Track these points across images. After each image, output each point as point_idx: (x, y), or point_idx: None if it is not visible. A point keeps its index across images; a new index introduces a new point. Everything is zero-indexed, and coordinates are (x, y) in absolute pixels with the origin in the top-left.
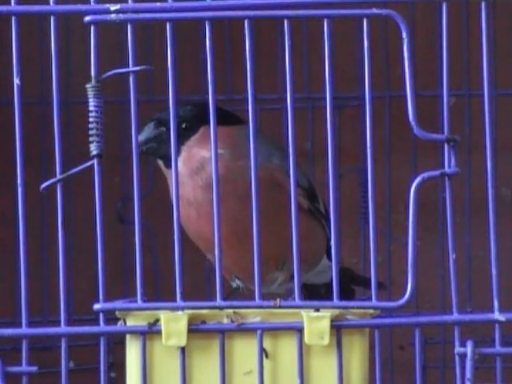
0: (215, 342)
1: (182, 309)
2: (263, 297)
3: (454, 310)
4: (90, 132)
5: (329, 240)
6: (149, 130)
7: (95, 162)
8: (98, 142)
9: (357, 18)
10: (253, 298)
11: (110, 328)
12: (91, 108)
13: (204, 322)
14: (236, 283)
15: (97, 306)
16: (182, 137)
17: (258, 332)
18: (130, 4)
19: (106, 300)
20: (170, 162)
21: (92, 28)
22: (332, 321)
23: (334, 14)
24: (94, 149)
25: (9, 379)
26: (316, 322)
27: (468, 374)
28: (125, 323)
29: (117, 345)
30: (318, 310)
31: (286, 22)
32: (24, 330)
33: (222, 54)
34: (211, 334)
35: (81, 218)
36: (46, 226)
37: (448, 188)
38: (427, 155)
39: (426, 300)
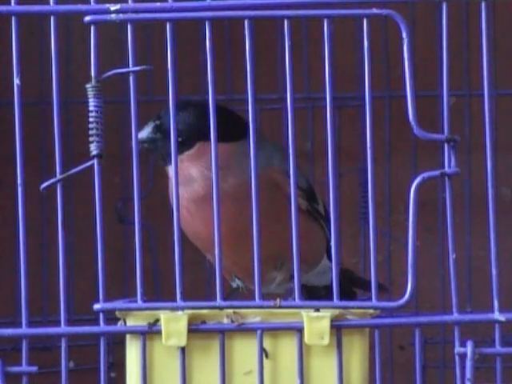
0: (215, 341)
1: (182, 309)
2: (263, 297)
3: (454, 310)
4: (90, 132)
5: (329, 241)
6: (146, 132)
7: (95, 161)
8: (98, 142)
9: (357, 18)
10: (253, 298)
11: (110, 328)
12: (91, 108)
13: (204, 322)
14: (236, 283)
15: (97, 306)
16: None
17: (258, 332)
18: (130, 4)
19: (106, 300)
20: (165, 162)
21: (92, 28)
22: (332, 321)
23: (334, 14)
24: (93, 149)
25: (9, 379)
26: (316, 322)
27: (468, 374)
28: (125, 323)
29: (117, 345)
30: (318, 310)
31: (286, 21)
32: (24, 330)
33: (222, 54)
34: (211, 334)
35: (81, 218)
36: (46, 226)
37: (448, 188)
38: (427, 155)
39: (425, 300)
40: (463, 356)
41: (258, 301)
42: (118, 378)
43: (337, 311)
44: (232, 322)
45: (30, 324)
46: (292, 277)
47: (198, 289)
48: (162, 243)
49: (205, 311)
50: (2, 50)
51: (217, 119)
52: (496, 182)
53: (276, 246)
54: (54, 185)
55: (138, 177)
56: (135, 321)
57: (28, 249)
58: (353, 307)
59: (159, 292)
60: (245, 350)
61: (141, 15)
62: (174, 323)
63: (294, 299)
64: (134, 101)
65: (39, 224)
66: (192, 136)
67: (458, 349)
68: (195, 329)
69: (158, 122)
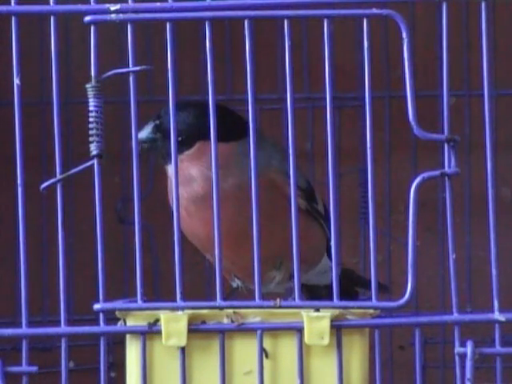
0: (215, 342)
1: (182, 309)
2: (263, 297)
3: (454, 310)
4: (90, 132)
5: (329, 240)
6: (146, 132)
7: (95, 161)
8: (98, 142)
9: (357, 18)
10: (253, 298)
11: (110, 328)
12: (91, 108)
13: (204, 322)
14: (236, 283)
15: (97, 306)
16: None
17: (258, 332)
18: (130, 4)
19: (106, 300)
20: (165, 161)
21: (92, 28)
22: (332, 321)
23: (334, 14)
24: (93, 149)
25: (9, 379)
26: (316, 322)
27: (468, 374)
28: (125, 323)
29: (117, 345)
30: (318, 309)
31: (286, 21)
32: (24, 330)
33: (222, 54)
34: (211, 334)
35: (81, 218)
36: (46, 226)
37: (448, 188)
38: (427, 155)
39: (425, 300)
40: (463, 356)
41: (258, 301)
42: (118, 377)
43: (337, 311)
44: (232, 321)
45: (30, 324)
46: (291, 276)
47: (198, 289)
48: (162, 243)
49: (205, 311)
50: (1, 50)
51: (217, 119)
52: (496, 182)
53: (275, 246)
54: (54, 185)
55: (138, 177)
56: (135, 321)
57: (28, 249)
58: (353, 307)
59: (159, 292)
60: (245, 350)
61: (141, 15)
62: (173, 323)
63: (294, 299)
64: (134, 101)
65: (39, 224)
66: (192, 135)
67: (457, 349)
68: (195, 329)
69: (157, 122)
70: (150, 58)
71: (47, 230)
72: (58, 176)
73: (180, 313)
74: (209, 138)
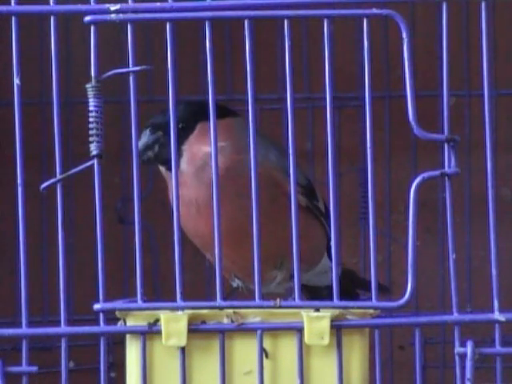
0: (215, 342)
1: (182, 309)
2: (263, 297)
3: (454, 310)
4: (90, 132)
5: (329, 239)
6: (146, 137)
7: (95, 161)
8: (98, 142)
9: (357, 18)
10: (253, 298)
11: (110, 328)
12: (91, 108)
13: (204, 322)
14: (236, 283)
15: (97, 306)
16: (181, 137)
17: (258, 332)
18: (130, 4)
19: (106, 300)
20: (170, 165)
21: (92, 28)
22: (332, 321)
23: (334, 14)
24: (93, 149)
25: (9, 379)
26: (316, 322)
27: (468, 374)
28: (125, 323)
29: (117, 345)
30: (318, 309)
31: (286, 21)
32: (24, 330)
33: (221, 54)
34: (211, 334)
35: (81, 218)
36: (46, 226)
37: (448, 188)
38: (427, 155)
39: (425, 300)
40: (463, 356)
41: (257, 301)
42: (118, 377)
43: (337, 311)
44: (232, 322)
45: (30, 324)
46: (292, 276)
47: (198, 289)
48: (162, 243)
49: (205, 311)
50: (2, 50)
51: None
52: (496, 182)
53: (275, 245)
54: (54, 185)
55: (138, 177)
56: (135, 321)
57: (28, 249)
58: (353, 307)
59: (159, 292)
60: (245, 350)
61: (141, 15)
62: (174, 323)
63: (294, 299)
64: (134, 101)
65: (39, 224)
66: (192, 119)
67: (457, 349)
68: (195, 329)
69: (152, 122)
70: (149, 58)
71: (47, 229)
72: (58, 176)
73: (180, 313)
74: (208, 118)
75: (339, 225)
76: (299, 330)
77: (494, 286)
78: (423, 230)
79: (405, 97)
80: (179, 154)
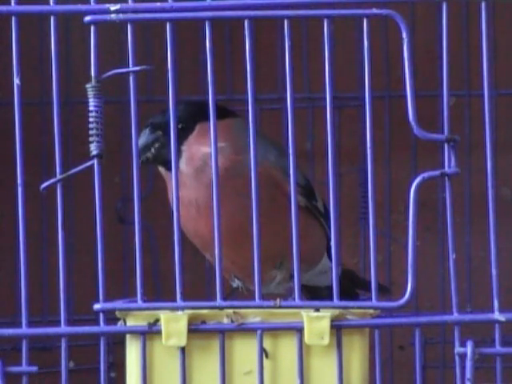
0: (215, 342)
1: (182, 309)
2: (263, 297)
3: (454, 310)
4: (90, 132)
5: (329, 239)
6: (145, 136)
7: (95, 161)
8: (98, 142)
9: (357, 17)
10: (253, 298)
11: (110, 328)
12: (91, 108)
13: (204, 322)
14: (236, 283)
15: (97, 306)
16: (181, 137)
17: (258, 332)
18: (130, 4)
19: (106, 300)
20: (169, 166)
21: (92, 28)
22: (332, 321)
23: (334, 14)
24: (93, 149)
25: (9, 379)
26: (316, 322)
27: (468, 374)
28: (125, 323)
29: (117, 345)
30: (318, 309)
31: (286, 21)
32: (24, 330)
33: (222, 54)
34: (211, 334)
35: (81, 218)
36: (46, 226)
37: (448, 188)
38: (427, 155)
39: (425, 300)
40: (463, 356)
41: (258, 301)
42: (118, 377)
43: (337, 311)
44: (232, 322)
45: (30, 324)
46: (292, 276)
47: (198, 289)
48: (162, 243)
49: (205, 311)
50: (2, 50)
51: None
52: (496, 182)
53: (275, 245)
54: (54, 185)
55: (138, 177)
56: (135, 321)
57: (28, 249)
58: (353, 307)
59: (159, 292)
60: (245, 350)
61: (141, 15)
62: (174, 323)
63: (294, 299)
64: (134, 101)
65: (39, 224)
66: (191, 119)
67: (457, 349)
68: (195, 329)
69: (151, 122)
70: (149, 58)
71: (47, 229)
72: (58, 176)
73: (180, 313)
74: (207, 118)
75: (339, 225)
76: (299, 330)
77: (494, 286)
78: (423, 230)
79: (405, 97)
80: (178, 155)
